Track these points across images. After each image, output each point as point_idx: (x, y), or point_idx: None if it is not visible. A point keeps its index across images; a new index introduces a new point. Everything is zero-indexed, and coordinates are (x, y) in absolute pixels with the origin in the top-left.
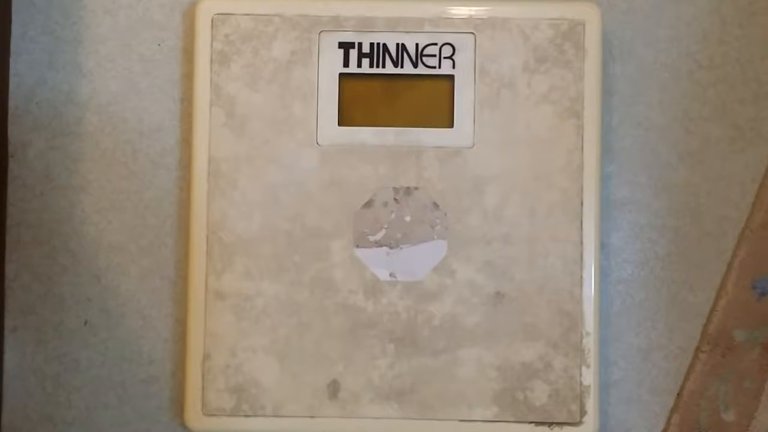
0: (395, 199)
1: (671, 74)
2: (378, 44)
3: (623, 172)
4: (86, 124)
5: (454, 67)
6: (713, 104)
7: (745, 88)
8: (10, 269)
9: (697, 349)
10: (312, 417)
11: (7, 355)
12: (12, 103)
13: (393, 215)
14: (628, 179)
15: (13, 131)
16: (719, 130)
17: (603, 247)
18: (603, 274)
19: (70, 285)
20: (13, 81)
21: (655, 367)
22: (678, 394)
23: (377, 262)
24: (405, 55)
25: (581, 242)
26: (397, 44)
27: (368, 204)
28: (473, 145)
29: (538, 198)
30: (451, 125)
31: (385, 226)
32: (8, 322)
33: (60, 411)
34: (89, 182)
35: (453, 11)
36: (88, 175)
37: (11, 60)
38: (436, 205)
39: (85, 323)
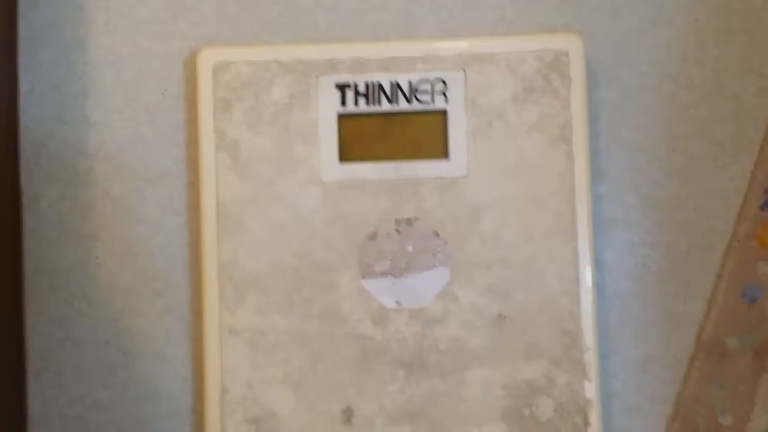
0: (397, 230)
1: (654, 96)
2: (373, 83)
3: (613, 192)
4: (96, 173)
5: (446, 101)
6: (695, 123)
7: (725, 106)
8: (29, 317)
9: (693, 357)
10: None
11: (31, 400)
12: (23, 156)
13: (396, 246)
14: (619, 198)
15: (26, 184)
16: (702, 147)
17: (598, 264)
18: (599, 291)
19: (88, 329)
20: (23, 135)
21: (653, 377)
22: (676, 402)
23: (383, 292)
24: (399, 92)
25: (577, 261)
26: (391, 82)
27: (372, 236)
28: (468, 175)
29: (533, 221)
30: (446, 157)
31: (389, 257)
32: (30, 367)
33: None
34: (101, 229)
35: (443, 49)
36: (100, 222)
37: (20, 115)
38: (436, 234)
39: (104, 363)
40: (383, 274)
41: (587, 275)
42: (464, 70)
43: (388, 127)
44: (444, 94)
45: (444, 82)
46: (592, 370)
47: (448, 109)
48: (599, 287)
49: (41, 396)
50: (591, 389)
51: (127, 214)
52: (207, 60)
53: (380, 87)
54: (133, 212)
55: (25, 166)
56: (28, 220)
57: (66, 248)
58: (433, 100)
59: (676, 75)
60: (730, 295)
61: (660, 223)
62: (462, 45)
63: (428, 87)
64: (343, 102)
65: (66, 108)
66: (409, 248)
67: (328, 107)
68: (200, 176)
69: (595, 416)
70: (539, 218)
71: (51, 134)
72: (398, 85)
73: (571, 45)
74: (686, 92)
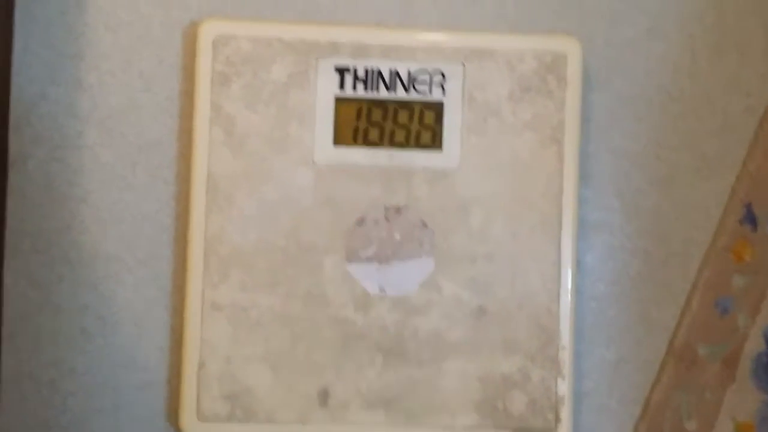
0: (386, 218)
1: (644, 105)
2: (372, 69)
3: (598, 197)
4: (86, 137)
5: (444, 93)
6: (682, 134)
7: (712, 120)
8: (8, 277)
9: (663, 363)
10: (303, 424)
11: (5, 361)
12: (13, 114)
13: (383, 233)
14: (603, 203)
15: (14, 142)
16: (687, 158)
17: (578, 265)
18: (578, 292)
19: (67, 293)
20: (14, 93)
21: (624, 379)
22: (645, 404)
23: (368, 277)
24: (398, 80)
25: (559, 262)
26: (391, 70)
27: (360, 221)
28: (460, 168)
29: (519, 219)
30: (439, 148)
31: (376, 243)
32: (5, 329)
33: (56, 416)
34: (88, 194)
35: (444, 41)
36: (87, 187)
37: (13, 73)
38: (424, 224)
39: (82, 330)
40: (369, 259)
41: (568, 276)
42: (463, 64)
43: (384, 114)
44: (442, 86)
45: (443, 74)
46: (567, 368)
47: (445, 102)
48: (578, 288)
49: (15, 358)
50: (564, 387)
51: (115, 181)
52: (208, 32)
53: (379, 74)
54: (122, 179)
55: (15, 125)
56: (14, 180)
57: (51, 211)
58: (430, 91)
59: (667, 86)
60: (704, 305)
61: (640, 230)
62: (463, 39)
63: (427, 78)
64: (342, 86)
65: (60, 69)
66: (397, 236)
67: (326, 90)
68: (193, 148)
69: (566, 413)
70: (526, 216)
71: (43, 94)
72: (397, 74)
73: (570, 48)
74: (676, 104)
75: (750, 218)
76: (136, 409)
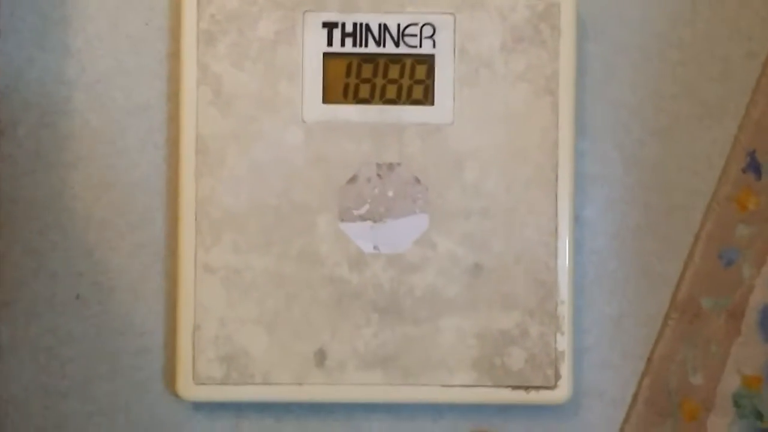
0: (378, 175)
1: (642, 53)
2: (361, 24)
3: (596, 148)
4: (75, 102)
5: (434, 46)
6: (682, 82)
7: (713, 67)
8: (2, 245)
9: (667, 316)
10: (300, 384)
11: (1, 330)
12: (1, 82)
13: (376, 190)
14: (601, 155)
15: (3, 109)
16: (688, 107)
17: (577, 219)
18: (577, 246)
19: (62, 260)
20: (1, 60)
21: (626, 334)
22: (648, 359)
23: (361, 236)
24: (387, 34)
25: (556, 215)
26: (380, 24)
27: (352, 179)
28: (453, 122)
29: (515, 173)
30: (431, 103)
31: (369, 201)
32: (1, 297)
33: (54, 382)
34: (79, 159)
35: None
36: (78, 153)
37: (0, 40)
38: (417, 180)
39: (77, 297)
40: (362, 218)
41: (566, 229)
42: (454, 15)
43: (374, 70)
44: (432, 39)
45: (433, 27)
46: (566, 323)
47: (436, 55)
48: (577, 242)
49: (12, 326)
50: (563, 342)
51: (105, 146)
52: None
53: (368, 28)
54: (112, 144)
55: (3, 92)
56: (4, 147)
57: (42, 177)
58: (420, 44)
59: (666, 33)
60: (707, 257)
61: (641, 182)
62: None
63: (416, 30)
64: (330, 42)
65: (47, 34)
66: (390, 193)
67: (313, 46)
68: (180, 110)
69: (566, 369)
70: (521, 170)
71: (30, 60)
72: (386, 27)
73: None
74: (675, 51)
75: (754, 166)
76: (134, 374)
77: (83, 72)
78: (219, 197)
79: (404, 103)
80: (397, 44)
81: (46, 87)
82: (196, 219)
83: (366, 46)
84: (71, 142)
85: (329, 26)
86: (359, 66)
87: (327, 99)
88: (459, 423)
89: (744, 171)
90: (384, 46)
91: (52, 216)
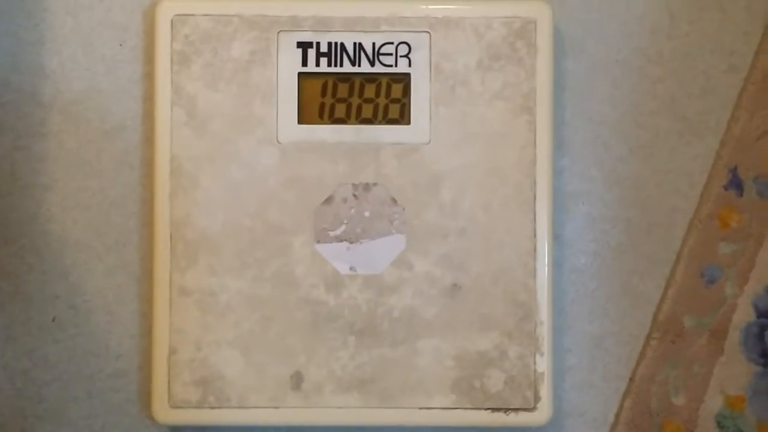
0: (354, 195)
1: (622, 69)
2: (335, 43)
3: (576, 166)
4: (50, 124)
5: (410, 65)
6: (662, 98)
7: (693, 82)
8: None
9: (648, 336)
10: (276, 408)
11: None
12: None
13: (352, 211)
14: (581, 172)
15: None
16: (668, 123)
17: (557, 238)
18: (557, 265)
19: (38, 283)
20: None
21: (607, 354)
22: (630, 380)
23: (338, 257)
24: (362, 53)
25: (534, 234)
26: (355, 43)
27: (328, 200)
28: (429, 141)
29: (492, 192)
30: (408, 122)
31: (345, 222)
32: None
33: (31, 405)
34: (54, 181)
35: (408, 11)
36: (53, 175)
37: None
38: (394, 201)
39: (54, 319)
40: (338, 239)
41: (544, 248)
42: (429, 34)
43: (349, 90)
44: (408, 58)
45: (408, 45)
46: (545, 344)
47: (412, 73)
48: (557, 261)
49: None
50: (543, 363)
51: (80, 168)
52: (166, 11)
53: (343, 47)
54: (87, 165)
55: None
56: None
57: (17, 200)
58: (396, 63)
59: (645, 49)
60: (689, 275)
61: (621, 199)
62: (428, 7)
63: (392, 49)
64: (305, 62)
65: (21, 56)
66: (366, 213)
67: (288, 66)
68: (155, 131)
69: (545, 390)
70: (499, 189)
71: (5, 83)
72: (361, 46)
73: (540, 13)
74: (655, 67)
75: (735, 183)
76: (111, 397)
77: (58, 94)
78: (194, 219)
79: (380, 123)
80: (372, 63)
81: (22, 109)
82: (171, 241)
83: (341, 65)
84: (46, 164)
85: (304, 46)
86: (335, 85)
87: (302, 119)
88: None
89: (726, 188)
90: (359, 65)
91: (28, 239)
